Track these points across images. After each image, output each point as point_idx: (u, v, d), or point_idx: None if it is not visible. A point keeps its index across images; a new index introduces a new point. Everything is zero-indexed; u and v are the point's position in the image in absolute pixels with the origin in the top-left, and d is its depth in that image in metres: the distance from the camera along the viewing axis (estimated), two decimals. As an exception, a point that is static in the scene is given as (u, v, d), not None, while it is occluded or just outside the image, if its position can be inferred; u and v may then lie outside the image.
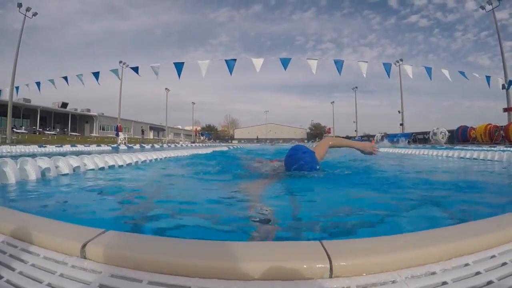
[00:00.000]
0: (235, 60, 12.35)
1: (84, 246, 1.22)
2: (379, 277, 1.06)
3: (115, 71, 15.23)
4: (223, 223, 2.47)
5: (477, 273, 1.11)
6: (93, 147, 19.95)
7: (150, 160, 8.68)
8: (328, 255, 1.09)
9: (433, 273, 1.10)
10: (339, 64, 13.30)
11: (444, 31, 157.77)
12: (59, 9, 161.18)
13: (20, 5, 35.30)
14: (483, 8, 36.36)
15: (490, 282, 1.05)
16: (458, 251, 1.23)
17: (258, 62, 13.31)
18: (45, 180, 4.95)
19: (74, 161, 5.98)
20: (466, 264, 1.17)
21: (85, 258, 1.21)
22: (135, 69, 14.56)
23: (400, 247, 1.21)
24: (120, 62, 44.33)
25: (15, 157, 5.82)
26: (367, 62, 14.27)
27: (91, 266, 1.15)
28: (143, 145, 28.20)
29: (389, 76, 14.19)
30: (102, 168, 6.60)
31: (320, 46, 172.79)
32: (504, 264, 1.16)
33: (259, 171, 5.40)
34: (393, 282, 1.04)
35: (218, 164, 7.91)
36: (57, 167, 5.52)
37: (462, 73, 16.10)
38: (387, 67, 14.27)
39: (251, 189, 3.39)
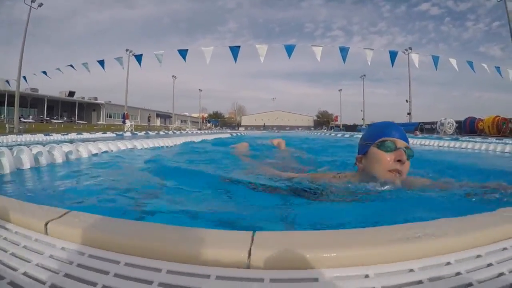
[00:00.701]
0: (239, 47, 12.26)
1: (46, 224, 1.31)
2: (299, 273, 1.03)
3: (119, 59, 15.18)
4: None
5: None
6: (98, 135, 20.01)
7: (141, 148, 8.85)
8: (251, 246, 1.09)
9: (366, 276, 1.02)
10: (344, 51, 13.18)
11: (456, 21, 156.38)
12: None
13: (25, -4, 35.25)
14: None
15: (469, 285, 0.99)
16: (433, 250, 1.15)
17: (262, 49, 13.18)
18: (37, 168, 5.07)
19: (67, 148, 6.11)
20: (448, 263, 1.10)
21: (47, 234, 1.30)
22: (139, 58, 14.53)
23: (341, 244, 1.14)
24: (127, 50, 44.31)
25: (19, 145, 5.90)
26: (372, 49, 14.19)
27: (53, 241, 1.23)
28: (149, 132, 28.26)
29: (392, 65, 14.05)
30: (95, 154, 6.81)
31: (329, 33, 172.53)
32: (489, 265, 1.09)
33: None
34: (315, 280, 1.01)
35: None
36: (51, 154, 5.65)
37: (470, 63, 15.86)
38: (393, 55, 14.10)
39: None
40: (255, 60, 13.45)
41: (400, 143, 2.41)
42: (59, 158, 5.68)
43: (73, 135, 19.24)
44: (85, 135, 20.03)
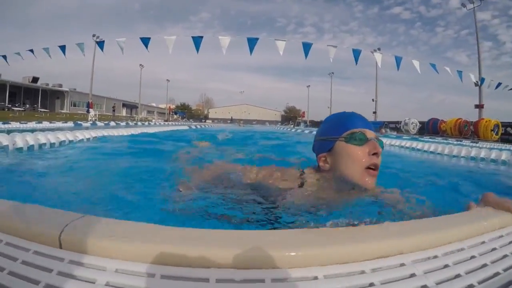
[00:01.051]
0: (201, 37, 12.20)
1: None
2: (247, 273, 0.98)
3: (81, 45, 14.85)
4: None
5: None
6: (58, 124, 19.63)
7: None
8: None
9: (315, 278, 0.97)
10: (307, 47, 13.25)
11: (426, 25, 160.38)
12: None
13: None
14: (464, 6, 37.06)
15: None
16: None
17: (224, 41, 13.16)
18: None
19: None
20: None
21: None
22: (101, 44, 14.37)
23: (290, 243, 1.08)
24: (94, 35, 43.38)
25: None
26: (336, 46, 14.28)
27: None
28: (104, 122, 27.93)
29: (356, 63, 14.27)
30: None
31: (301, 29, 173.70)
32: (446, 266, 1.09)
33: None
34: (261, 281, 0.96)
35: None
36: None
37: (433, 65, 16.22)
38: (356, 53, 14.29)
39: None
40: (226, 52, 13.41)
41: (370, 133, 2.07)
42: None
43: (32, 124, 18.83)
44: (45, 124, 19.65)
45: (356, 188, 2.05)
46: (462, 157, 8.66)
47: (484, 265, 1.12)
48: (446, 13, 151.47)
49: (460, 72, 17.50)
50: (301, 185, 2.19)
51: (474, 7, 35.99)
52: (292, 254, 1.02)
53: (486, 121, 24.21)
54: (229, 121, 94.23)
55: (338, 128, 2.14)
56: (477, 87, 31.81)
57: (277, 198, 2.10)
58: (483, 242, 1.28)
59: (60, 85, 68.19)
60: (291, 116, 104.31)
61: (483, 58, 35.64)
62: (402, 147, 11.72)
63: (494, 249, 1.24)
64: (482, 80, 26.33)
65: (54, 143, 7.11)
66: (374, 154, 2.00)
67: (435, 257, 1.11)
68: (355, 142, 2.02)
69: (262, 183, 2.29)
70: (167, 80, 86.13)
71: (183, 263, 0.99)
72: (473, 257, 1.16)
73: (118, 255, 1.02)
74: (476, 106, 32.94)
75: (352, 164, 2.02)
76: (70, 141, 7.83)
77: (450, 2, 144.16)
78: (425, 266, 1.04)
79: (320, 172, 2.25)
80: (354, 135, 2.03)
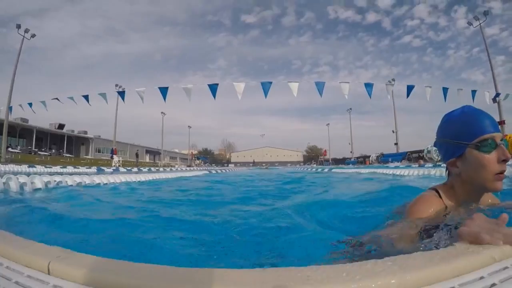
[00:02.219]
0: (217, 84, 12.64)
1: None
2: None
3: (103, 95, 15.42)
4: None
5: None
6: (82, 169, 20.14)
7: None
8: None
9: None
10: (320, 86, 13.48)
11: (437, 50, 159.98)
12: (61, 31, 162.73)
13: (18, 27, 35.93)
14: (470, 24, 37.50)
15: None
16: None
17: (239, 86, 13.51)
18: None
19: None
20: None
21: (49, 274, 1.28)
22: (122, 94, 14.85)
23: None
24: (117, 85, 44.97)
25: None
26: (348, 82, 14.45)
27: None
28: (128, 168, 28.41)
29: (370, 97, 14.17)
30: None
31: (316, 69, 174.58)
32: None
33: None
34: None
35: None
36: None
37: (445, 90, 15.98)
38: (369, 87, 14.39)
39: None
40: (244, 97, 13.71)
41: (498, 136, 1.95)
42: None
43: (56, 168, 19.35)
44: (69, 168, 20.18)
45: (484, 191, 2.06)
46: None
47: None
48: (455, 35, 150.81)
49: (474, 92, 17.13)
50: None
51: (480, 24, 36.48)
52: None
53: (509, 137, 23.60)
54: (251, 165, 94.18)
55: (469, 132, 2.00)
56: (496, 103, 31.47)
57: None
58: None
59: (85, 132, 69.74)
60: (312, 156, 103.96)
61: (498, 73, 35.47)
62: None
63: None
64: (497, 95, 25.96)
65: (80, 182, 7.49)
66: (503, 160, 1.92)
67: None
68: (485, 149, 1.92)
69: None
70: (188, 126, 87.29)
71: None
72: None
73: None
74: (498, 123, 32.28)
75: (484, 172, 1.94)
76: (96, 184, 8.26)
77: (458, 22, 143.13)
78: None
79: (452, 181, 2.17)
80: (485, 143, 1.93)
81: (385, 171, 15.13)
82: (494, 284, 1.02)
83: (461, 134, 2.01)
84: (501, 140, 1.95)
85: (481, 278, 1.06)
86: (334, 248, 2.06)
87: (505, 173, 1.93)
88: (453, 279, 1.06)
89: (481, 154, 1.91)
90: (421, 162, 26.36)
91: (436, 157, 30.07)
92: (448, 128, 2.13)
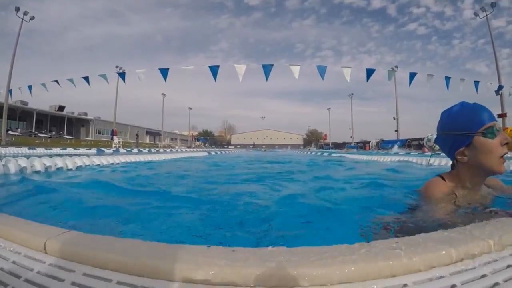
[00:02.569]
0: (218, 66, 12.55)
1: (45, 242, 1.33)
2: None
3: (104, 76, 15.34)
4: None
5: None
6: (82, 151, 20.13)
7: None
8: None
9: None
10: (321, 70, 13.39)
11: (442, 39, 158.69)
12: (62, 13, 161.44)
13: (17, 9, 35.61)
14: (476, 14, 37.18)
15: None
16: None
17: (240, 68, 13.42)
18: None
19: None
20: None
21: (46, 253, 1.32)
22: (122, 76, 14.75)
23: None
24: (117, 66, 44.79)
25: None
26: (350, 67, 14.30)
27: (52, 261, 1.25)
28: (128, 149, 28.46)
29: (367, 81, 14.07)
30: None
31: (319, 53, 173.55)
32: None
33: None
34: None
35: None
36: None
37: (447, 79, 15.87)
38: (370, 72, 14.29)
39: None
40: (246, 80, 13.63)
41: (497, 124, 2.25)
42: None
43: (57, 150, 19.36)
44: (69, 150, 20.19)
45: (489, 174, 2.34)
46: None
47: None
48: (461, 25, 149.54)
49: (477, 83, 17.03)
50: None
51: (486, 15, 36.25)
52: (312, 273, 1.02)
53: (510, 130, 23.70)
54: (251, 147, 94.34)
55: (474, 123, 2.25)
56: (499, 96, 31.58)
57: None
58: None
59: (85, 114, 69.71)
60: (313, 139, 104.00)
61: (502, 65, 35.35)
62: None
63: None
64: (500, 87, 25.83)
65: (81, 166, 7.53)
66: (506, 144, 2.21)
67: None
68: (490, 136, 2.19)
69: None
70: (189, 108, 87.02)
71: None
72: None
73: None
74: (499, 116, 32.61)
75: (491, 156, 2.19)
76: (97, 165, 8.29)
77: (464, 13, 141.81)
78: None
79: (459, 169, 2.41)
80: (490, 129, 2.20)
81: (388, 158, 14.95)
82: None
83: (467, 125, 2.26)
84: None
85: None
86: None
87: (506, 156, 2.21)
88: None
89: (487, 140, 2.18)
90: (425, 150, 25.87)
91: (436, 146, 30.05)
92: (452, 122, 2.37)
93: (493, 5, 35.84)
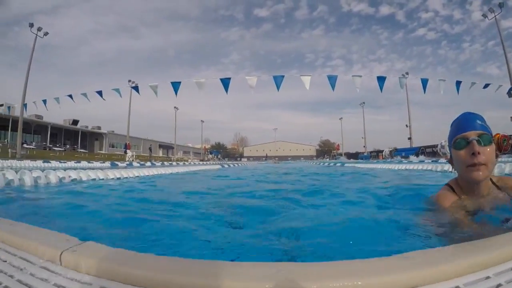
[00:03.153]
0: (229, 78, 12.61)
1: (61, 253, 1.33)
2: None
3: (117, 90, 15.49)
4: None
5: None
6: (96, 164, 20.28)
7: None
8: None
9: None
10: (332, 79, 13.34)
11: (452, 43, 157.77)
12: (74, 28, 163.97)
13: (31, 25, 36.24)
14: (485, 16, 36.96)
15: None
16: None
17: (252, 80, 13.46)
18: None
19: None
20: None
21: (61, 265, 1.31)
22: (136, 89, 14.90)
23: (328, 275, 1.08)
24: (129, 80, 45.18)
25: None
26: (361, 76, 14.28)
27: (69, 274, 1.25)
28: (141, 162, 28.60)
29: (381, 90, 13.98)
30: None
31: (329, 62, 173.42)
32: None
33: None
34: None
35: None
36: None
37: (458, 83, 15.67)
38: (381, 80, 14.21)
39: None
40: (257, 91, 13.69)
41: (471, 134, 2.39)
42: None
43: (71, 163, 19.56)
44: (83, 163, 20.36)
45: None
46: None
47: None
48: (471, 27, 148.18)
49: (486, 85, 16.78)
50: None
51: (495, 16, 35.92)
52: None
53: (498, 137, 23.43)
54: (263, 159, 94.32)
55: (451, 136, 2.57)
56: (511, 98, 31.00)
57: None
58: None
59: (99, 127, 70.38)
60: (325, 150, 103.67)
61: None
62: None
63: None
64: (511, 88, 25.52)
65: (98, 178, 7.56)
66: (473, 154, 2.32)
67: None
68: (458, 147, 2.43)
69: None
70: (201, 121, 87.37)
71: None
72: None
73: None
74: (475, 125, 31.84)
75: (460, 165, 2.46)
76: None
77: (473, 15, 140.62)
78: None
79: (458, 176, 2.67)
80: (458, 141, 2.45)
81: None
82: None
83: (449, 138, 2.62)
84: (479, 136, 2.37)
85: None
86: None
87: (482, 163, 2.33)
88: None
89: (456, 151, 2.47)
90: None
91: (449, 153, 29.74)
92: (449, 134, 2.66)
93: (501, 5, 35.64)
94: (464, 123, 2.49)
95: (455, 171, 2.65)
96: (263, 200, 5.04)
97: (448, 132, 2.67)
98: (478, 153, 2.31)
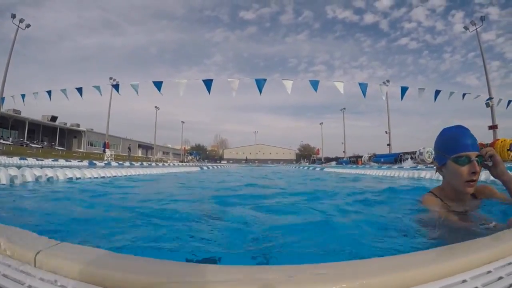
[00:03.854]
0: (211, 80, 12.62)
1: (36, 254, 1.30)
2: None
3: (97, 87, 15.33)
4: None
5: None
6: (74, 163, 20.05)
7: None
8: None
9: None
10: (315, 84, 13.45)
11: (433, 53, 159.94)
12: (57, 21, 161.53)
13: (14, 16, 35.66)
14: (466, 28, 37.83)
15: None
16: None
17: (234, 83, 13.43)
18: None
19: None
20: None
21: (36, 267, 1.28)
22: (116, 87, 14.78)
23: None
24: (111, 78, 44.70)
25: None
26: (343, 82, 14.37)
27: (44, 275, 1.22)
28: (120, 162, 28.38)
29: (364, 97, 14.11)
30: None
31: (311, 68, 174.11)
32: None
33: None
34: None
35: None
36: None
37: (437, 92, 15.84)
38: (363, 87, 14.35)
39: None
40: (239, 94, 13.68)
41: (473, 154, 2.62)
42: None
43: (48, 161, 19.28)
44: (61, 161, 20.09)
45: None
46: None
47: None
48: (452, 39, 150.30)
49: (464, 95, 17.10)
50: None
51: (476, 29, 36.96)
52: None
53: (501, 141, 23.91)
54: (243, 162, 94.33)
55: (451, 149, 2.71)
56: (489, 108, 31.98)
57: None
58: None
59: (78, 125, 69.44)
60: (305, 154, 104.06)
61: (492, 78, 35.86)
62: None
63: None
64: (489, 98, 26.03)
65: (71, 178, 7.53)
66: (473, 172, 2.58)
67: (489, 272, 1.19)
68: (461, 163, 2.62)
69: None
70: (182, 121, 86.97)
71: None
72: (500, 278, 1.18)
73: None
74: (490, 128, 32.98)
75: (458, 179, 2.66)
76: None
77: (455, 27, 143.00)
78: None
79: (443, 183, 2.94)
80: (462, 158, 2.63)
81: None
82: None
83: (446, 148, 2.76)
84: (477, 157, 2.61)
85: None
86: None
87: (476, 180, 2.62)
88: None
89: (457, 166, 2.64)
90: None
91: (428, 159, 30.25)
92: (440, 141, 2.87)
93: (482, 18, 36.63)
94: (470, 142, 2.68)
95: (445, 178, 2.89)
96: (244, 202, 5.04)
97: (438, 141, 2.90)
98: (478, 172, 2.59)
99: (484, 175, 8.26)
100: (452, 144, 2.71)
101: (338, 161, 63.17)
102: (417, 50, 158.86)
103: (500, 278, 1.16)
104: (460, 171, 2.62)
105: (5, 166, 6.39)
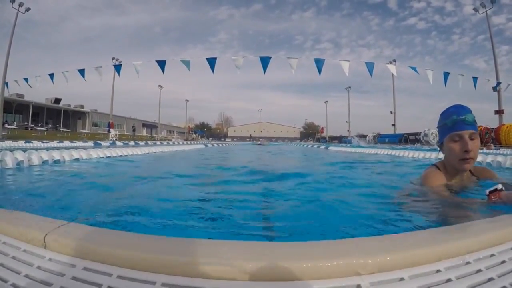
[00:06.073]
0: (215, 58, 12.49)
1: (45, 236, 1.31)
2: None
3: (100, 69, 15.22)
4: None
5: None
6: (79, 144, 20.08)
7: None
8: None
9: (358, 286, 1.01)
10: (320, 63, 13.23)
11: (442, 34, 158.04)
12: (57, 3, 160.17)
13: (13, 0, 35.30)
14: (476, 10, 36.98)
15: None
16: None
17: (238, 61, 13.28)
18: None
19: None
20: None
21: (45, 248, 1.29)
22: (118, 68, 14.67)
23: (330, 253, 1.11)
24: (113, 58, 44.40)
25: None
26: (349, 61, 14.15)
27: (52, 256, 1.22)
28: (125, 142, 28.39)
29: (371, 75, 13.98)
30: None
31: (318, 46, 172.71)
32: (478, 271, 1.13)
33: None
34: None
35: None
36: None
37: (446, 75, 15.73)
38: (370, 66, 14.18)
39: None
40: (244, 72, 13.56)
41: (466, 133, 2.75)
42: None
43: (53, 143, 19.30)
44: (66, 143, 20.12)
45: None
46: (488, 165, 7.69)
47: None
48: (461, 20, 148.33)
49: (475, 79, 16.84)
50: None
51: (486, 11, 36.00)
52: (331, 263, 1.06)
53: (507, 127, 23.47)
54: (248, 139, 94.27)
55: (447, 128, 2.88)
56: (496, 92, 31.72)
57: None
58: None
59: (82, 106, 69.44)
60: (310, 132, 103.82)
61: (501, 62, 35.36)
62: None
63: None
64: (498, 84, 25.73)
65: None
66: (465, 151, 2.73)
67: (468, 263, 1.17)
68: (452, 142, 2.82)
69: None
70: (186, 100, 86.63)
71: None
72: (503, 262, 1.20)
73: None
74: (496, 112, 32.55)
75: (452, 156, 2.86)
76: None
77: (464, 8, 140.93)
78: (457, 272, 1.10)
79: (445, 158, 3.05)
80: (453, 137, 2.81)
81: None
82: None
83: (444, 126, 2.93)
84: (472, 134, 2.76)
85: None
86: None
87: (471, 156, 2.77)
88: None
89: (451, 143, 2.83)
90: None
91: (433, 141, 30.06)
92: (440, 120, 3.02)
93: (492, 1, 35.71)
94: (459, 120, 2.81)
95: (443, 157, 3.07)
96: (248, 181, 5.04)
97: (438, 120, 3.05)
98: (470, 150, 2.73)
99: (481, 158, 8.29)
100: (448, 123, 2.86)
101: (342, 140, 62.85)
102: (425, 31, 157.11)
103: (503, 262, 1.19)
104: (453, 149, 2.81)
105: (11, 149, 6.33)
